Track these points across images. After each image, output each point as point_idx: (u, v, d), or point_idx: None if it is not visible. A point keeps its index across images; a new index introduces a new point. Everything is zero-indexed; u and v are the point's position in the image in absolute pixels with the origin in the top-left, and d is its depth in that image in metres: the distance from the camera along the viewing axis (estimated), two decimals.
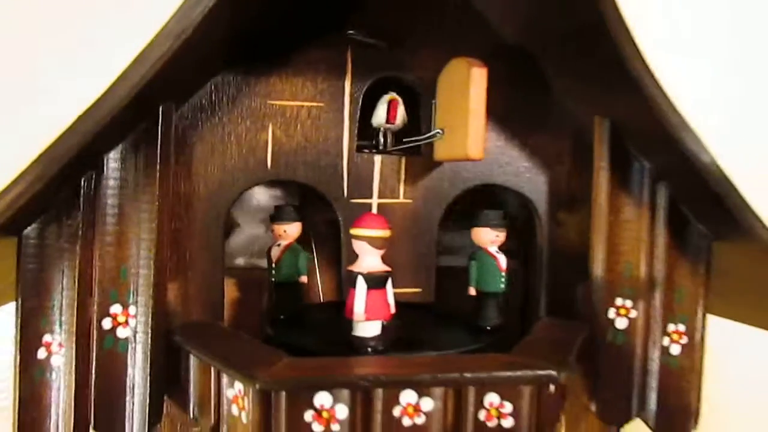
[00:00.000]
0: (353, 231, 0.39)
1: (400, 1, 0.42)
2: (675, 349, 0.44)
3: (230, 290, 0.49)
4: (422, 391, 0.33)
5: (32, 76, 0.56)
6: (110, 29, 0.55)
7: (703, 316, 0.44)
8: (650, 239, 0.44)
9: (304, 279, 0.46)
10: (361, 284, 0.38)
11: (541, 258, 0.47)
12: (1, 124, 0.54)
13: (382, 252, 0.38)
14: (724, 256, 0.44)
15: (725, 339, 0.49)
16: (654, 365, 0.44)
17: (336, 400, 0.32)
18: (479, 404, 0.33)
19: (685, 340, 0.44)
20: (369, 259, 0.38)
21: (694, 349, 0.44)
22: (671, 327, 0.44)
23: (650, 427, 0.45)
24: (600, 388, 0.44)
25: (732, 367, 0.57)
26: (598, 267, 0.43)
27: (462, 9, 0.43)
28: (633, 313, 0.44)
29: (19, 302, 0.37)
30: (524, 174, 0.46)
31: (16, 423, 0.37)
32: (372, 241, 0.38)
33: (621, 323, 0.44)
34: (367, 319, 0.38)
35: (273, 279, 0.46)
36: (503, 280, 0.44)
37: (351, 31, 0.43)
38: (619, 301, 0.44)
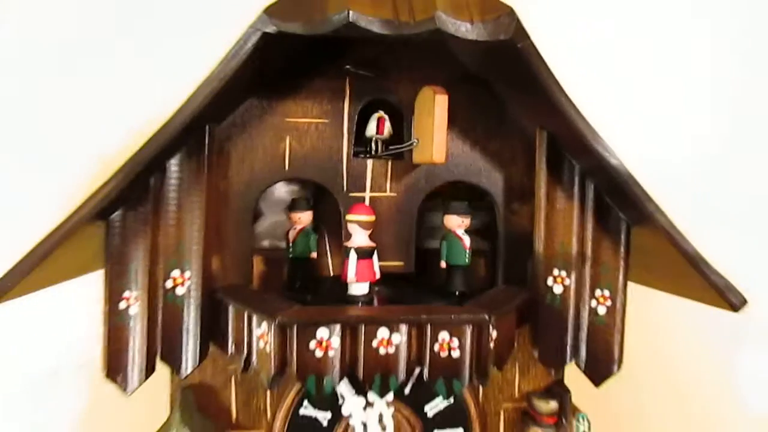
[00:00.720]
0: (348, 217, 0.52)
1: (385, 43, 0.55)
2: (601, 310, 0.57)
3: (257, 265, 0.62)
4: (393, 328, 0.46)
5: (112, 101, 0.72)
6: (170, 66, 0.71)
7: (624, 284, 0.56)
8: (580, 223, 0.56)
9: (314, 255, 0.59)
10: (352, 255, 0.51)
11: (500, 239, 0.60)
12: (88, 141, 0.70)
13: (369, 232, 0.52)
14: (638, 237, 0.56)
15: (642, 300, 0.61)
16: (584, 322, 0.57)
17: (331, 334, 0.46)
18: (434, 339, 0.47)
19: (609, 303, 0.56)
20: (359, 237, 0.52)
21: (616, 310, 0.56)
22: (598, 292, 0.56)
23: (582, 371, 0.57)
24: (541, 340, 0.57)
25: (647, 322, 0.68)
26: (539, 245, 0.56)
27: (434, 47, 0.55)
28: (567, 281, 0.56)
29: (107, 268, 0.52)
30: (485, 173, 0.59)
31: (105, 354, 0.52)
32: (361, 224, 0.51)
33: (558, 289, 0.56)
34: (357, 281, 0.51)
35: (290, 255, 0.59)
36: (467, 255, 0.57)
37: (348, 66, 0.56)
38: (555, 272, 0.56)
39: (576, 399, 0.61)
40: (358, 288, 0.51)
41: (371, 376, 0.46)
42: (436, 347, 0.47)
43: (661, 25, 0.84)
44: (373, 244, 0.52)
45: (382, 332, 0.46)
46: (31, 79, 0.76)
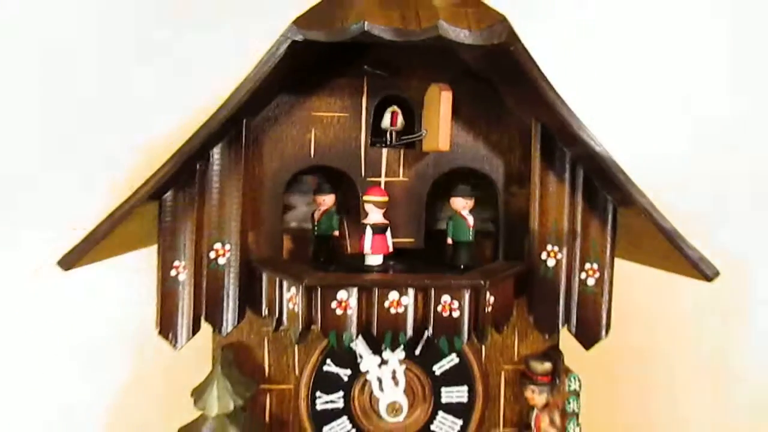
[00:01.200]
0: (364, 198, 0.60)
1: (397, 47, 0.62)
2: (590, 282, 0.63)
3: (287, 243, 0.69)
4: (402, 291, 0.54)
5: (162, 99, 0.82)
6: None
7: (611, 258, 0.63)
8: (571, 204, 0.63)
9: (336, 233, 0.67)
10: (368, 231, 0.59)
11: (500, 219, 0.67)
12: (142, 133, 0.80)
13: (383, 211, 0.60)
14: (624, 217, 0.63)
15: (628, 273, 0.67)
16: (575, 292, 0.63)
17: (350, 295, 0.54)
18: (437, 302, 0.54)
19: (597, 275, 0.63)
20: (374, 215, 0.60)
21: (603, 281, 0.63)
22: (587, 265, 0.63)
23: (573, 335, 0.64)
24: (536, 308, 0.64)
25: (633, 291, 0.75)
26: (534, 223, 0.63)
27: (440, 50, 0.62)
28: (559, 255, 0.63)
29: (160, 242, 0.61)
30: (486, 160, 0.66)
31: (158, 315, 0.61)
32: (376, 204, 0.59)
33: (551, 262, 0.63)
34: (373, 253, 0.59)
35: (315, 233, 0.67)
36: (471, 233, 0.65)
37: (365, 67, 0.64)
38: (549, 247, 0.63)
39: (575, 364, 0.68)
40: (373, 259, 0.59)
41: (383, 332, 0.54)
42: (439, 308, 0.55)
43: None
44: (386, 222, 0.60)
45: (393, 295, 0.54)
46: (93, 77, 0.86)
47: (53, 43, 0.85)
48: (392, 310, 0.54)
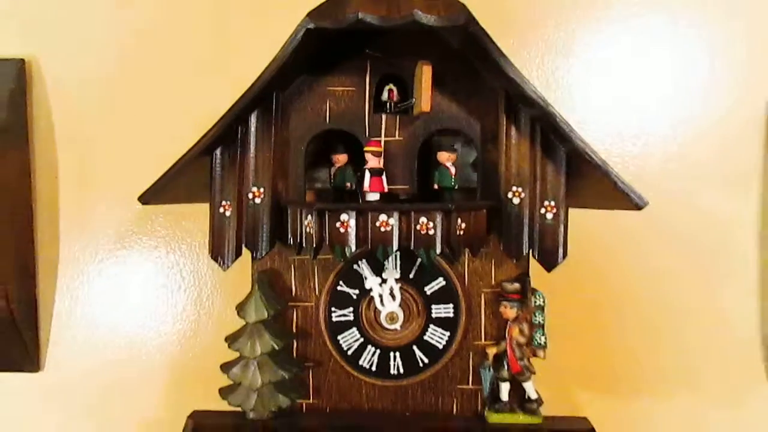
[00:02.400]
0: (365, 149, 0.78)
1: (394, 33, 0.80)
2: (549, 216, 0.78)
3: (309, 196, 0.88)
4: (389, 214, 0.71)
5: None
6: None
7: (564, 196, 0.78)
8: (532, 154, 0.78)
9: (348, 185, 0.85)
10: (367, 174, 0.76)
11: (478, 171, 0.83)
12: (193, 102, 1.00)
13: (378, 159, 0.77)
14: (574, 165, 0.78)
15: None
16: (536, 225, 0.78)
17: (350, 217, 0.71)
18: (416, 222, 0.71)
19: (554, 210, 0.78)
20: (372, 162, 0.77)
21: (559, 215, 0.78)
22: (546, 203, 0.78)
23: (536, 259, 0.79)
24: (505, 238, 0.79)
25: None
26: (502, 169, 0.78)
27: (427, 34, 0.79)
28: (522, 195, 0.78)
29: (212, 185, 0.80)
30: (466, 122, 0.81)
31: (210, 243, 0.80)
32: (373, 153, 0.77)
33: (516, 201, 0.78)
34: (371, 191, 0.76)
35: (332, 185, 0.85)
36: (453, 180, 0.81)
37: (368, 50, 0.82)
38: (514, 188, 0.78)
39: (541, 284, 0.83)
40: (372, 196, 0.77)
41: (376, 246, 0.72)
42: (418, 227, 0.71)
43: None
44: (381, 167, 0.77)
45: (382, 217, 0.71)
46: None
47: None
48: (382, 229, 0.71)
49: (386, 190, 0.77)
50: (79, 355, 1.11)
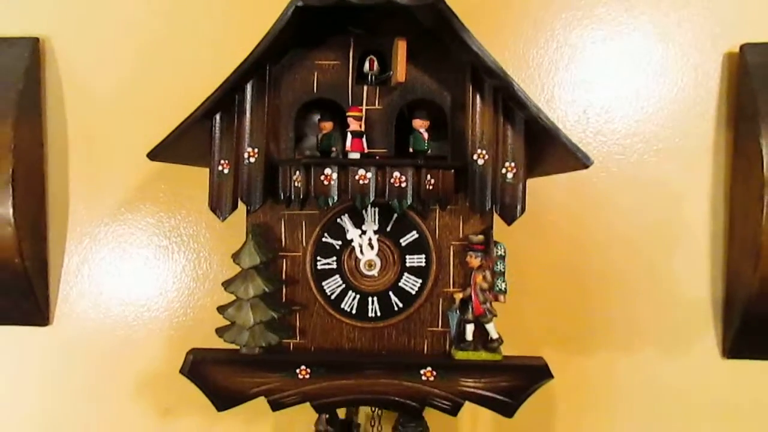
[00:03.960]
0: (347, 113, 0.88)
1: (374, 11, 0.89)
2: (509, 175, 0.88)
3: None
4: (367, 169, 0.81)
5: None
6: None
7: (523, 157, 0.88)
8: (494, 119, 0.88)
9: (333, 149, 0.95)
10: (349, 135, 0.87)
11: (449, 137, 0.93)
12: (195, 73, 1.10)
13: (359, 123, 0.87)
14: (531, 130, 0.88)
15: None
16: (498, 183, 0.88)
17: (332, 171, 0.81)
18: (390, 175, 0.81)
19: (514, 170, 0.88)
20: (353, 125, 0.87)
21: (519, 174, 0.88)
22: (507, 163, 0.88)
23: (498, 214, 0.89)
24: (471, 195, 0.89)
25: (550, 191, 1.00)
26: (469, 133, 0.89)
27: (403, 13, 0.89)
28: (486, 156, 0.88)
29: (212, 146, 0.90)
30: (437, 94, 0.91)
31: (210, 197, 0.90)
32: (354, 117, 0.87)
33: (480, 162, 0.88)
34: (352, 150, 0.87)
35: (318, 149, 0.96)
36: (426, 144, 0.91)
37: (350, 27, 0.92)
38: (479, 151, 0.88)
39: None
40: (353, 155, 0.87)
41: (355, 196, 0.82)
42: (392, 180, 0.81)
43: None
44: (362, 130, 0.87)
45: (361, 171, 0.81)
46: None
47: None
48: (361, 182, 0.82)
49: (365, 150, 0.88)
50: (86, 310, 1.21)
